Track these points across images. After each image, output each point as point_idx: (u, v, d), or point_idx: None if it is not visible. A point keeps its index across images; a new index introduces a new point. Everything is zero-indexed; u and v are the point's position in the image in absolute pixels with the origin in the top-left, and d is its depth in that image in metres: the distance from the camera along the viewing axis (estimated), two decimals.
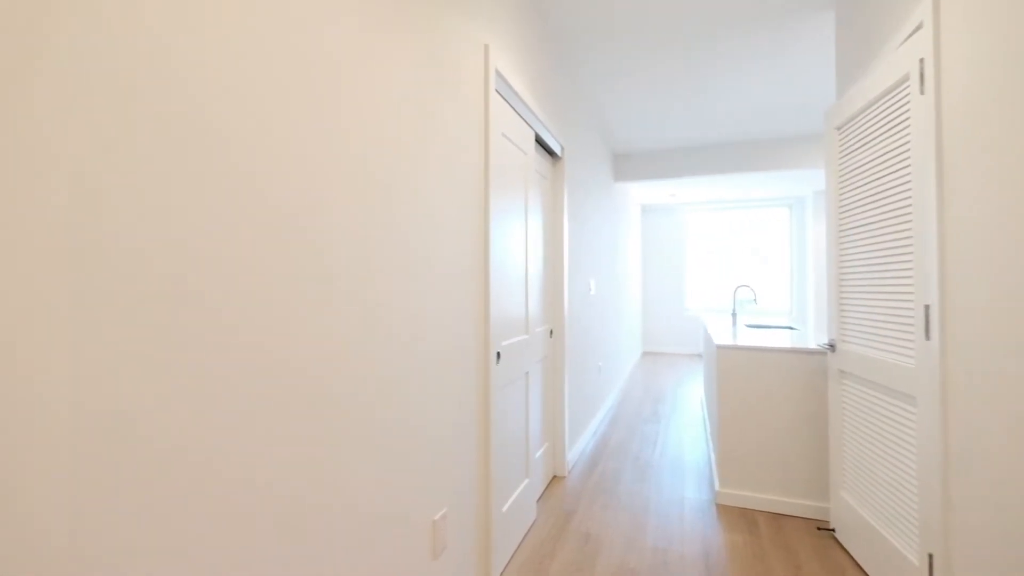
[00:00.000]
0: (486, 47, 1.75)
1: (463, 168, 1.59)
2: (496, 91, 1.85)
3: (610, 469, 2.90)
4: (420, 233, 1.32)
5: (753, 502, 2.41)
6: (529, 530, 2.19)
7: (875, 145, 1.76)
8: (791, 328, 3.52)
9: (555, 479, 2.75)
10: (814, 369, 2.33)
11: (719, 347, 2.51)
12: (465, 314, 1.59)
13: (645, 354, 7.45)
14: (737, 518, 2.31)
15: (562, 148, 2.84)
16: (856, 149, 1.90)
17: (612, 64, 3.03)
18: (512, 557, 1.98)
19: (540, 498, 2.51)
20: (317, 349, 0.95)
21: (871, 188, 1.79)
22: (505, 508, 1.92)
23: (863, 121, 1.84)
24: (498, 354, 1.85)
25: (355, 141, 1.06)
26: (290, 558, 0.88)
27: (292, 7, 0.89)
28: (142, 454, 0.64)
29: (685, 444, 3.35)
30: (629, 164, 5.14)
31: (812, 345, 2.43)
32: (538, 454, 2.45)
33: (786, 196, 6.79)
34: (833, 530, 2.11)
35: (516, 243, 2.11)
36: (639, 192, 6.36)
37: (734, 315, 3.89)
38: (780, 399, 2.38)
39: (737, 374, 2.47)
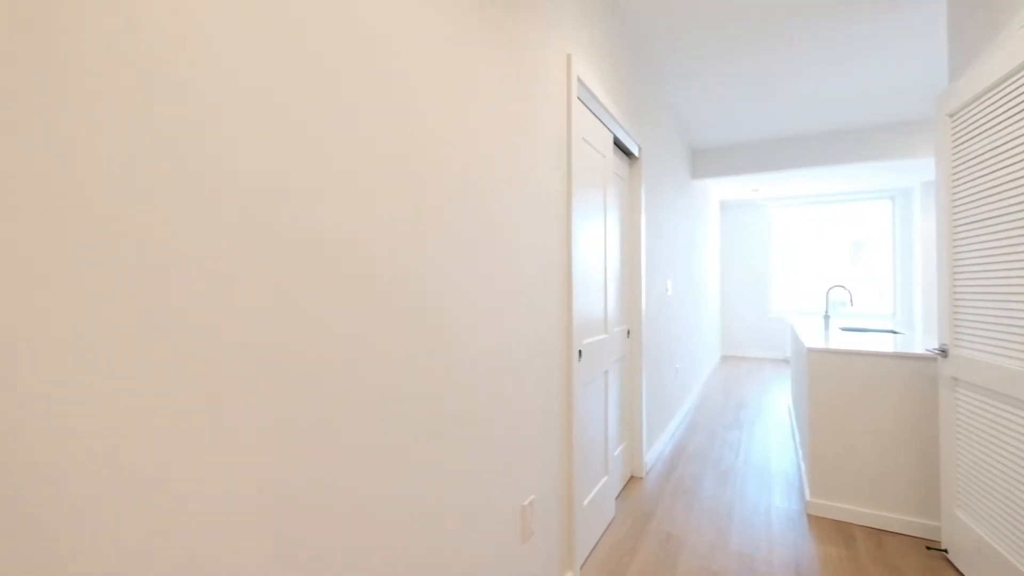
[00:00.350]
0: (568, 57, 1.82)
1: (547, 173, 1.67)
2: (577, 98, 1.91)
3: (689, 473, 2.85)
4: (512, 239, 1.42)
5: (848, 515, 2.27)
6: (608, 527, 2.23)
7: (996, 132, 1.62)
8: (893, 332, 3.24)
9: (632, 479, 2.76)
10: (918, 375, 2.16)
11: (809, 350, 2.39)
12: (549, 314, 1.67)
13: (724, 358, 7.11)
14: (831, 530, 2.19)
15: (639, 148, 2.84)
16: (972, 137, 1.74)
17: (690, 62, 2.97)
18: (592, 551, 2.03)
19: (618, 496, 2.54)
20: (440, 375, 1.07)
21: (990, 180, 1.64)
22: (586, 502, 1.98)
23: (981, 107, 1.69)
24: (580, 352, 1.92)
25: (451, 159, 1.18)
26: (415, 536, 1.01)
27: (391, 39, 1.02)
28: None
29: (771, 452, 3.19)
30: (707, 160, 4.97)
31: (918, 350, 2.24)
32: (616, 452, 2.48)
33: (888, 188, 6.17)
34: (945, 551, 1.94)
35: (595, 244, 2.16)
36: (718, 188, 6.11)
37: (827, 318, 3.65)
38: (879, 407, 2.22)
39: (830, 380, 2.34)
